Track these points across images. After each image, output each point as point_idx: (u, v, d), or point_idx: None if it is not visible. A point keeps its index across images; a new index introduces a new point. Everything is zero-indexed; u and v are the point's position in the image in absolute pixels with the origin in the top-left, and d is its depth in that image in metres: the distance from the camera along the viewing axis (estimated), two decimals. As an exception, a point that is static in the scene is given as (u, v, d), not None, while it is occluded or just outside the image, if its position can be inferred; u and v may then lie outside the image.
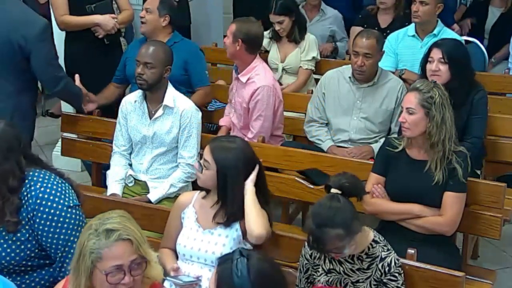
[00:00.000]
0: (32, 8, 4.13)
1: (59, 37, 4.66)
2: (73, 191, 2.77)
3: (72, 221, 2.68)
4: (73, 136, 4.62)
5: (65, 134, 4.64)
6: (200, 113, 3.90)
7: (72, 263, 2.36)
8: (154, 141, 3.86)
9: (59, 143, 4.90)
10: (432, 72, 3.81)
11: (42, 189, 2.66)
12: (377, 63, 4.17)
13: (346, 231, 2.64)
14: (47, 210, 2.64)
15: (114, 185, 3.86)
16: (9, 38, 3.80)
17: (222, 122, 4.54)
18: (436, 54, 3.81)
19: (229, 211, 2.94)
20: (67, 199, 2.69)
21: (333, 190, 2.78)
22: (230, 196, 2.93)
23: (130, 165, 3.99)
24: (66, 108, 5.04)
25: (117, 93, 4.63)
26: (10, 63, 3.86)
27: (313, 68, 5.25)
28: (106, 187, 3.96)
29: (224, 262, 2.09)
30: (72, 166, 5.31)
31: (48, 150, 5.89)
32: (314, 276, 2.90)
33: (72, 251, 2.64)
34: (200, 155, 2.97)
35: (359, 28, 5.48)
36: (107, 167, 4.07)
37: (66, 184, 2.76)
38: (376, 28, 5.37)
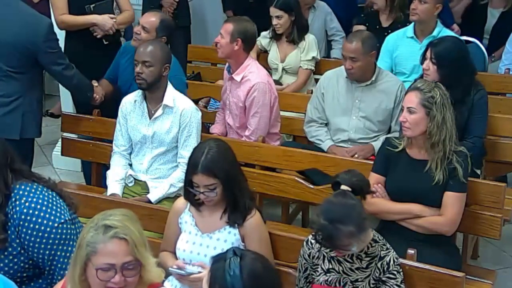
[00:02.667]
0: None
1: (59, 36, 4.65)
2: (64, 203, 2.73)
3: (58, 236, 2.64)
4: (73, 136, 4.62)
5: (65, 134, 4.65)
6: (200, 113, 3.90)
7: (72, 256, 2.35)
8: (154, 141, 3.86)
9: (59, 143, 4.91)
10: (424, 70, 3.83)
11: (27, 204, 2.63)
12: (367, 64, 4.13)
13: (358, 228, 2.65)
14: (31, 225, 2.61)
15: (114, 185, 3.86)
16: (16, 40, 3.81)
17: (214, 129, 4.52)
18: (429, 53, 3.82)
19: (241, 207, 2.96)
20: (53, 213, 2.65)
21: (343, 187, 2.79)
22: (238, 194, 2.95)
23: (130, 165, 3.98)
24: (66, 108, 5.04)
25: (110, 89, 4.54)
26: (18, 63, 3.88)
27: (313, 68, 5.25)
28: (106, 187, 3.96)
29: (217, 261, 2.09)
30: (72, 166, 5.32)
31: (48, 150, 5.90)
32: (313, 276, 2.90)
33: (59, 265, 2.64)
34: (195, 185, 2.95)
35: (361, 27, 5.48)
36: (107, 168, 4.07)
37: (55, 198, 2.71)
38: (377, 27, 5.36)
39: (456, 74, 3.75)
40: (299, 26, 5.21)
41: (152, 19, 4.30)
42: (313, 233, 2.82)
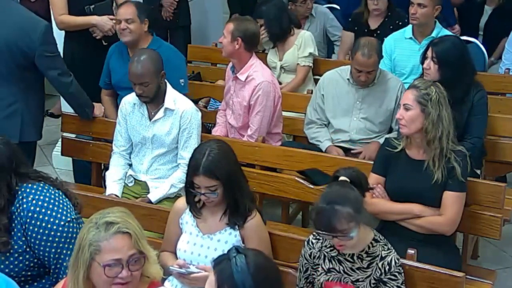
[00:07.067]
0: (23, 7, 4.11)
1: (58, 36, 4.65)
2: (69, 203, 2.75)
3: (65, 235, 2.65)
4: (73, 136, 4.62)
5: (65, 134, 4.64)
6: (200, 114, 3.90)
7: (71, 258, 2.35)
8: (154, 142, 3.86)
9: (59, 143, 4.91)
10: (424, 70, 3.83)
11: (34, 201, 2.65)
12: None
13: (356, 211, 2.67)
14: (38, 223, 2.63)
15: (113, 185, 3.87)
16: (13, 44, 3.79)
17: (216, 133, 4.50)
18: (430, 52, 3.82)
19: (242, 208, 2.96)
20: (60, 211, 2.67)
21: (342, 178, 2.83)
22: (239, 195, 2.95)
23: (130, 165, 3.99)
24: (66, 108, 5.03)
25: (115, 104, 4.54)
26: (15, 67, 3.85)
27: (311, 65, 5.21)
28: (105, 187, 3.96)
29: (221, 262, 2.08)
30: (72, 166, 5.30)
31: (48, 150, 5.90)
32: (314, 276, 2.90)
33: (64, 264, 2.64)
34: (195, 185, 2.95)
35: (349, 33, 5.47)
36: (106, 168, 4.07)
37: (62, 197, 2.73)
38: (366, 31, 5.34)
39: (457, 72, 3.76)
40: (270, 33, 5.20)
41: (129, 10, 4.34)
42: (312, 228, 2.83)
